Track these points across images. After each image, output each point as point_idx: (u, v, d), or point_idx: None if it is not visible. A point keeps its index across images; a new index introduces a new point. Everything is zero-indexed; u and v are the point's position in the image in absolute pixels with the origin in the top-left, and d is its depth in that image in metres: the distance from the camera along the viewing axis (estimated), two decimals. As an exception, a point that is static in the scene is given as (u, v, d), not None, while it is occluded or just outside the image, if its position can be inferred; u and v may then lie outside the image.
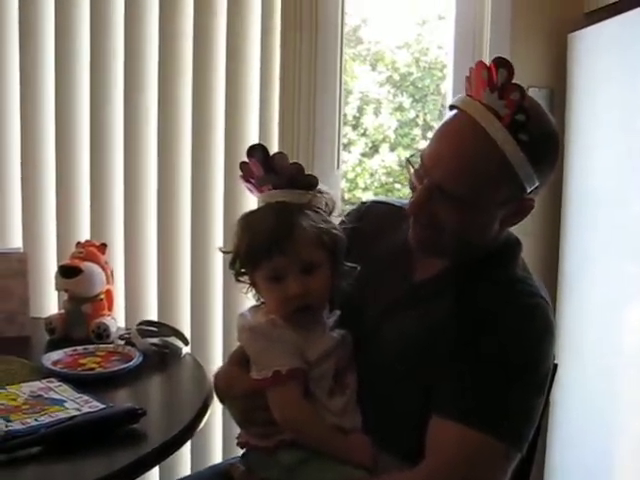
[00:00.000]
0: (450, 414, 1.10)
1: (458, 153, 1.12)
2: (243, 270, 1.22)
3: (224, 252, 1.24)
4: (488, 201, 1.13)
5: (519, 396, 1.11)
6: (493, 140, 1.09)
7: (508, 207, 1.16)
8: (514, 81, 1.09)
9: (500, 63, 1.09)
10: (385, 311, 1.24)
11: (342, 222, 1.24)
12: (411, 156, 1.21)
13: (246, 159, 1.20)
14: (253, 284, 1.22)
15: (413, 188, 1.20)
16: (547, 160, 1.17)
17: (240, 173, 1.23)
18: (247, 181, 1.23)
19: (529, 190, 1.14)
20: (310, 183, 1.20)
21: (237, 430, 1.29)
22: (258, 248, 1.15)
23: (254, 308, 1.24)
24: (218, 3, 2.20)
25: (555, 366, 1.25)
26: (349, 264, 1.21)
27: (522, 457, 1.13)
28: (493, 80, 1.09)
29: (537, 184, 1.15)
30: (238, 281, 1.23)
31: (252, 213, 1.21)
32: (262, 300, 1.23)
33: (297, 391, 1.15)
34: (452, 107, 1.18)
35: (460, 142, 1.13)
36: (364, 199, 1.52)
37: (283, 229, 1.14)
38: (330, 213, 1.22)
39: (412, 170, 1.20)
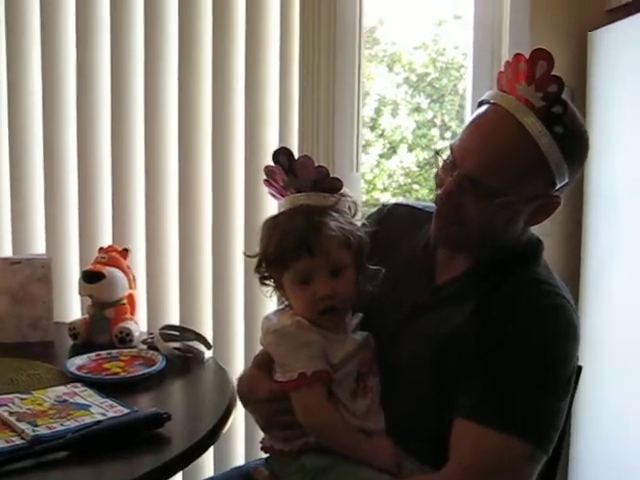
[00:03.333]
0: (473, 417, 1.10)
1: (490, 143, 1.12)
2: (269, 273, 1.21)
3: (249, 256, 1.23)
4: (517, 194, 1.12)
5: (542, 398, 1.11)
6: (527, 131, 1.09)
7: (535, 203, 1.15)
8: (553, 73, 1.08)
9: (539, 55, 1.09)
10: (407, 314, 1.24)
11: (364, 225, 1.24)
12: (439, 150, 1.20)
13: (269, 163, 1.21)
14: (279, 287, 1.22)
15: (439, 182, 1.19)
16: (578, 156, 1.17)
17: (264, 177, 1.23)
18: (271, 185, 1.23)
19: (558, 186, 1.14)
20: (334, 186, 1.20)
21: (260, 433, 1.29)
22: (287, 249, 1.15)
23: (279, 311, 1.24)
24: (236, 5, 2.20)
25: (579, 368, 1.24)
26: (373, 267, 1.21)
27: (547, 459, 1.12)
28: (530, 72, 1.09)
29: (567, 181, 1.14)
30: (263, 284, 1.23)
31: (278, 216, 1.21)
32: (287, 303, 1.23)
33: (322, 393, 1.15)
34: (482, 103, 1.18)
35: (492, 132, 1.13)
36: (384, 201, 1.52)
37: (312, 230, 1.14)
38: (353, 216, 1.22)
39: (439, 163, 1.20)
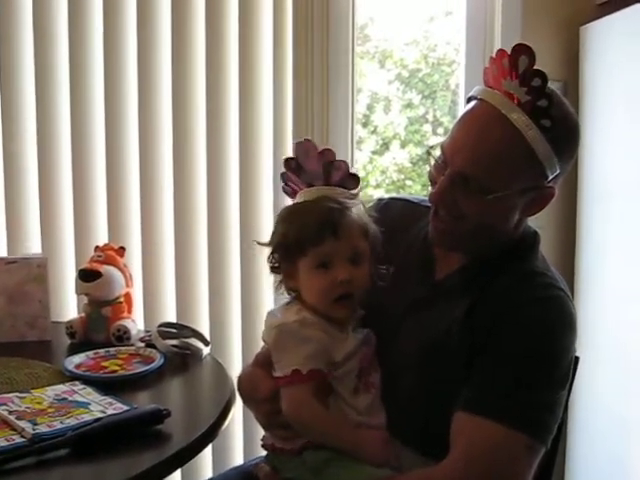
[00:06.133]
0: (472, 409, 1.11)
1: (479, 139, 1.13)
2: (283, 260, 1.20)
3: (262, 244, 1.22)
4: (510, 188, 1.13)
5: (541, 389, 1.11)
6: (514, 126, 1.10)
7: (529, 195, 1.16)
8: (536, 67, 1.09)
9: (521, 50, 1.09)
10: (407, 309, 1.25)
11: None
12: (431, 147, 1.21)
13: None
14: (291, 276, 1.21)
15: (432, 180, 1.20)
16: (568, 146, 1.17)
17: (282, 170, 1.24)
18: (289, 177, 1.24)
19: (550, 177, 1.14)
20: (353, 182, 1.21)
21: (259, 431, 1.29)
22: (311, 232, 1.15)
23: (284, 307, 1.23)
24: (230, 3, 2.20)
25: (577, 359, 1.25)
26: (382, 266, 1.22)
27: (546, 450, 1.13)
28: (514, 68, 1.10)
29: (558, 171, 1.15)
30: (273, 272, 1.23)
31: (299, 204, 1.22)
32: (293, 295, 1.23)
33: (309, 390, 1.14)
34: (470, 99, 1.19)
35: (481, 128, 1.13)
36: (380, 196, 1.52)
37: (337, 213, 1.15)
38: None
39: (432, 162, 1.20)
